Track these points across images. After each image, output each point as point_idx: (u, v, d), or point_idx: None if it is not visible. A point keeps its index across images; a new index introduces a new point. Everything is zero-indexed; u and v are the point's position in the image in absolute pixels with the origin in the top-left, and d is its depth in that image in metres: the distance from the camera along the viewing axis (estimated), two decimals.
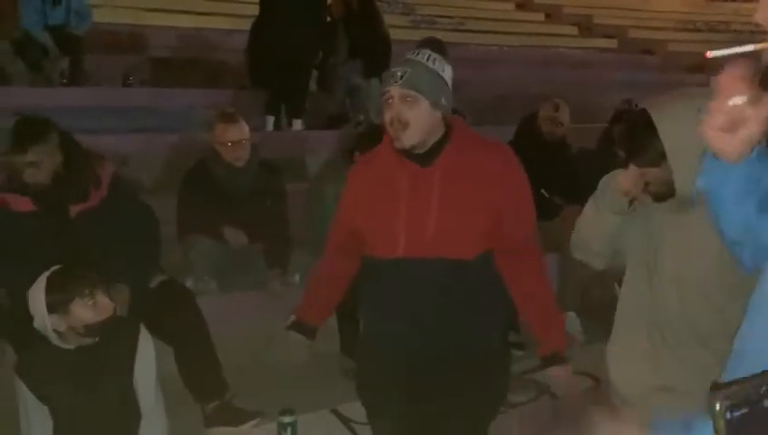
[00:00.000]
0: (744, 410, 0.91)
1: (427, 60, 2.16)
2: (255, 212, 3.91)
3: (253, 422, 3.11)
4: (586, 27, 11.82)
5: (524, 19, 11.75)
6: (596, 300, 4.26)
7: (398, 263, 2.19)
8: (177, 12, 8.11)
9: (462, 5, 11.03)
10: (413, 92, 2.10)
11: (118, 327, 2.58)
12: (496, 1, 12.00)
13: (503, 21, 11.25)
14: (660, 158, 1.96)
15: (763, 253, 1.16)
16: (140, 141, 5.29)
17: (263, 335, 3.59)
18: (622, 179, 2.08)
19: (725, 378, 1.15)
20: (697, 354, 2.03)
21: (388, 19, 7.47)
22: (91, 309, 2.47)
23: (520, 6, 12.18)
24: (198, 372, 3.09)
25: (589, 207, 2.21)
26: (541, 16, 11.99)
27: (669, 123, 1.93)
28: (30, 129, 2.96)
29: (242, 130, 3.93)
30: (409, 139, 2.12)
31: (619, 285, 2.30)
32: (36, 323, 2.50)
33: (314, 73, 6.60)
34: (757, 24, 1.10)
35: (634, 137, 2.05)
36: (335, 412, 3.15)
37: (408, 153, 2.18)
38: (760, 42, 1.08)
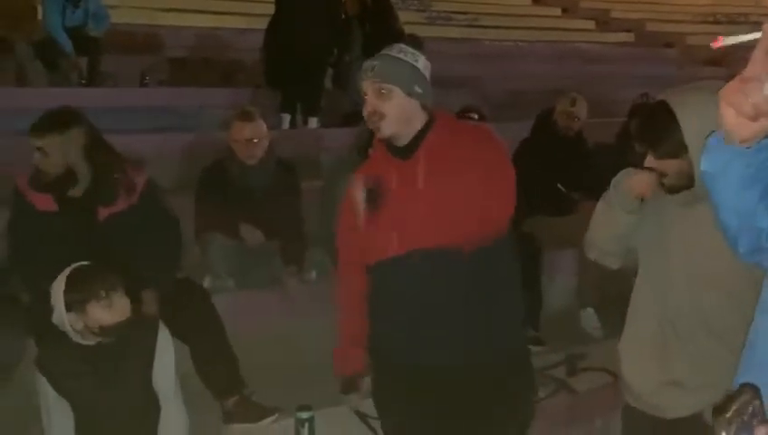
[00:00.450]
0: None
1: (398, 52, 2.18)
2: (271, 210, 3.91)
3: (271, 418, 3.14)
4: (603, 21, 11.73)
5: (541, 14, 11.69)
6: (614, 295, 4.22)
7: (394, 262, 2.14)
8: (192, 11, 8.16)
9: (477, 1, 10.99)
10: (385, 84, 2.12)
11: (138, 323, 2.59)
12: None
13: (519, 16, 11.20)
14: (680, 148, 1.91)
15: (757, 237, 1.14)
16: (157, 141, 5.31)
17: (279, 332, 3.61)
18: (636, 184, 2.04)
19: (740, 370, 1.14)
20: (710, 348, 2.01)
21: (403, 16, 7.47)
22: (107, 311, 2.48)
23: (536, 1, 12.10)
24: (214, 368, 3.12)
25: (600, 207, 2.17)
26: (557, 11, 11.90)
27: (692, 112, 1.86)
28: (53, 117, 3.02)
29: (257, 129, 3.93)
30: (388, 128, 2.14)
31: None
32: (55, 319, 2.52)
33: (329, 71, 6.60)
34: None
35: (653, 128, 1.99)
36: (353, 409, 3.15)
37: (393, 150, 2.18)
38: None
